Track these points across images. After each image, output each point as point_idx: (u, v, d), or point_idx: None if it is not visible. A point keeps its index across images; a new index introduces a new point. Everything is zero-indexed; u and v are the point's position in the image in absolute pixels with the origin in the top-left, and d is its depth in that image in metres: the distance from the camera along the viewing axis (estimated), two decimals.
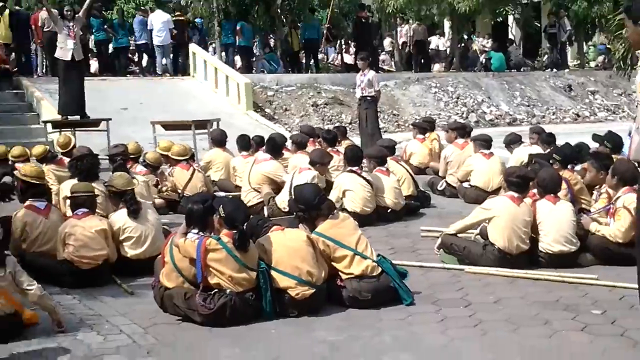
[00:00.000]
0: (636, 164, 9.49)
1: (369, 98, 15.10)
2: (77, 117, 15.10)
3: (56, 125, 14.96)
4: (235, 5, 24.87)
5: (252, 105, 20.28)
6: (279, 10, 25.65)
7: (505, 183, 7.63)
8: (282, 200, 9.67)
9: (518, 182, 7.36)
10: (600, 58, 29.78)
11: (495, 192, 10.28)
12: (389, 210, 9.59)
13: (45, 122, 15.30)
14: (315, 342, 5.43)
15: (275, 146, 10.67)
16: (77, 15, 15.33)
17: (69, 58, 14.73)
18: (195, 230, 6.00)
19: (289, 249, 6.08)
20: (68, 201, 7.48)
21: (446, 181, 11.44)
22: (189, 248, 5.86)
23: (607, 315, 5.84)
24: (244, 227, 5.99)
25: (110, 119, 15.23)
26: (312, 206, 6.42)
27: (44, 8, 17.72)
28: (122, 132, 15.96)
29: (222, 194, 10.87)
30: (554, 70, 26.56)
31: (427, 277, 7.06)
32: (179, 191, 10.45)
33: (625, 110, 24.47)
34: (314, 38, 25.38)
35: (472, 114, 22.38)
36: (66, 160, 10.61)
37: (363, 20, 25.10)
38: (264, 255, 6.05)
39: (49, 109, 17.45)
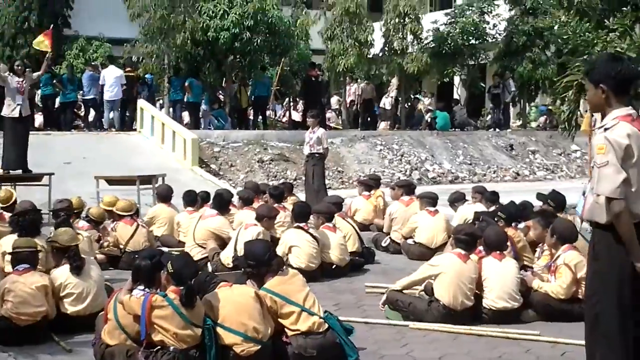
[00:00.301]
0: (579, 224, 9.75)
1: (317, 155, 15.20)
2: (19, 171, 14.88)
3: None
4: (187, 62, 24.93)
5: (198, 160, 20.25)
6: (230, 68, 25.79)
7: (453, 240, 7.71)
8: (227, 256, 9.63)
9: (466, 239, 7.47)
10: (542, 119, 30.47)
11: (439, 248, 10.39)
12: (333, 267, 9.62)
13: None
14: None
15: (222, 202, 10.66)
16: (27, 71, 15.24)
17: (17, 115, 14.63)
18: (142, 287, 5.94)
19: (236, 305, 6.03)
20: (8, 257, 7.33)
21: (390, 238, 11.52)
22: (134, 305, 5.79)
23: None
24: (192, 283, 5.94)
25: (52, 174, 15.00)
26: (262, 262, 6.40)
27: None
28: (65, 186, 15.75)
29: (165, 249, 10.77)
30: (497, 129, 27.10)
31: (372, 333, 7.06)
32: (121, 246, 10.32)
33: (563, 169, 24.98)
34: (263, 95, 25.61)
35: (415, 172, 22.62)
36: (7, 215, 10.42)
37: (313, 79, 25.40)
38: (211, 311, 5.99)
39: None
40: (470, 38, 27.46)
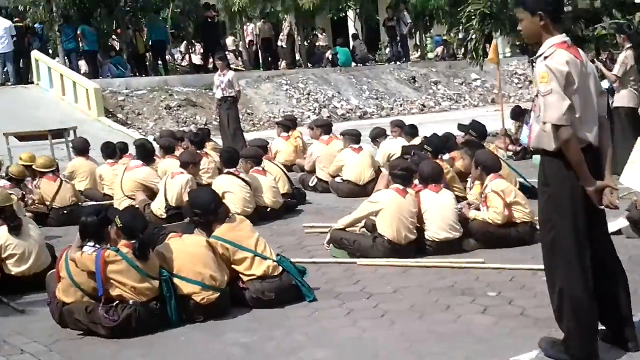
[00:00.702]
0: (502, 153, 10.02)
1: (230, 99, 15.04)
2: None
3: None
4: (76, 9, 24.06)
5: (104, 111, 19.74)
6: (123, 13, 25.06)
7: (389, 176, 7.81)
8: (158, 207, 9.55)
9: (403, 174, 7.58)
10: (439, 49, 30.92)
11: (368, 185, 10.56)
12: (268, 210, 9.64)
13: None
14: (228, 345, 5.39)
15: (146, 152, 10.48)
16: None
17: None
18: (92, 243, 5.82)
19: (189, 255, 6.01)
20: None
21: (317, 177, 11.59)
22: (86, 262, 5.68)
23: (503, 296, 6.11)
24: (143, 235, 5.86)
25: None
26: (209, 211, 6.39)
27: None
28: None
29: (91, 203, 10.59)
30: (397, 63, 27.37)
31: (322, 272, 7.14)
32: (47, 203, 10.08)
33: (467, 99, 25.53)
34: (161, 39, 25.06)
35: (324, 110, 22.72)
36: None
37: (209, 20, 24.96)
38: (165, 263, 5.95)
39: None
40: None
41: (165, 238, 6.39)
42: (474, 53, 14.15)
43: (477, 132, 10.31)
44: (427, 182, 7.74)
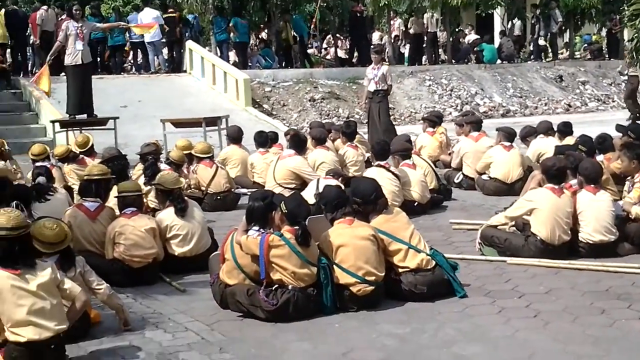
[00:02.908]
0: None
1: (381, 92, 15.11)
2: (84, 116, 15.08)
3: (64, 124, 14.93)
4: (230, 1, 24.80)
5: (251, 101, 20.30)
6: (274, 6, 25.71)
7: (542, 175, 7.73)
8: (307, 197, 9.74)
9: (557, 174, 7.48)
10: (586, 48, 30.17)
11: (515, 184, 10.49)
12: (415, 204, 9.68)
13: (52, 122, 15.22)
14: (382, 335, 5.52)
15: (299, 142, 10.71)
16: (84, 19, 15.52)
17: (79, 62, 14.80)
18: (256, 228, 6.05)
19: (355, 248, 6.11)
20: (114, 200, 7.49)
21: (463, 173, 11.55)
22: (251, 245, 5.93)
23: None
24: (306, 222, 6.06)
25: (117, 118, 15.24)
26: (368, 201, 6.52)
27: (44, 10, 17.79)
28: (125, 130, 15.98)
29: (243, 190, 10.97)
30: (542, 60, 26.84)
31: (472, 269, 7.16)
32: (203, 188, 10.50)
33: (615, 100, 24.74)
34: (300, 34, 25.65)
35: (466, 106, 22.49)
36: (87, 159, 10.63)
37: (357, 15, 25.22)
38: (329, 249, 6.12)
39: (48, 108, 17.38)
40: None
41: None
42: (634, 53, 13.70)
43: (635, 133, 10.02)
44: (588, 181, 7.57)
